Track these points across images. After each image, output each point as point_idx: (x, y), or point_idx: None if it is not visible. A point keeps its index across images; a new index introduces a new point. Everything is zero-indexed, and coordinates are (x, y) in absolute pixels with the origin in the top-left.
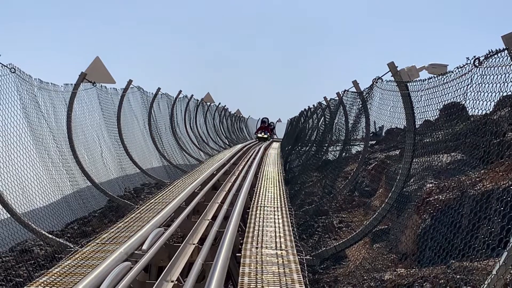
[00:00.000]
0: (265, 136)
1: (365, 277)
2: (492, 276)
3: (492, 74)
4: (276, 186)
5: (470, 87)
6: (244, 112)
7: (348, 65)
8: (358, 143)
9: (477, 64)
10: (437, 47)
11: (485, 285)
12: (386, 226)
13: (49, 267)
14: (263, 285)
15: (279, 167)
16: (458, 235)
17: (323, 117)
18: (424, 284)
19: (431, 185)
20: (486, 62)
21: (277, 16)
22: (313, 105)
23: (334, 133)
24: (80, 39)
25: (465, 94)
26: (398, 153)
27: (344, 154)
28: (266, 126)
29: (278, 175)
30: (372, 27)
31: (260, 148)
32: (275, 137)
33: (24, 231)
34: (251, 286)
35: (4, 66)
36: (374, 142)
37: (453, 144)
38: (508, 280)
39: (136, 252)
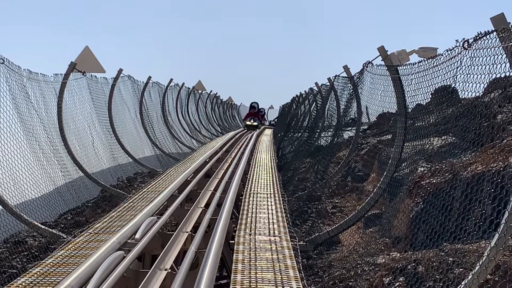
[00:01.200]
0: (255, 123)
1: (358, 262)
2: (484, 258)
3: (482, 56)
4: (269, 173)
5: (460, 69)
6: (236, 99)
7: (340, 51)
8: (350, 128)
9: (466, 47)
10: (427, 30)
11: (477, 267)
12: (378, 211)
13: (43, 258)
14: (257, 271)
15: (271, 153)
16: (450, 218)
17: (314, 103)
18: (417, 267)
19: (423, 169)
20: (475, 44)
21: (268, 1)
22: (305, 91)
23: (326, 118)
24: (68, 29)
25: (455, 77)
26: (390, 137)
27: (336, 139)
28: (256, 112)
29: (271, 162)
30: (363, 11)
31: (252, 135)
32: (266, 123)
33: (17, 222)
34: (245, 273)
35: None
36: (366, 127)
37: (444, 127)
38: (500, 261)
39: (129, 241)
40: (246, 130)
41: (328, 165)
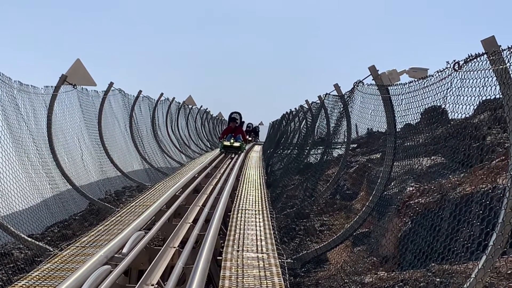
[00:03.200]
0: (236, 144)
1: (346, 280)
2: (471, 280)
3: (472, 78)
4: (258, 189)
5: (450, 91)
6: (226, 115)
7: (331, 70)
8: (339, 146)
9: (457, 68)
10: (418, 51)
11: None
12: (367, 230)
13: (29, 270)
14: None
15: (260, 170)
16: (438, 239)
17: (304, 120)
18: (404, 287)
19: (412, 189)
20: (465, 66)
21: (260, 19)
22: (295, 108)
23: (316, 136)
24: (61, 41)
25: (445, 98)
26: (379, 156)
27: (325, 157)
28: (238, 127)
29: (260, 178)
30: (355, 31)
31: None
32: (258, 140)
33: (3, 234)
34: None
35: None
36: (355, 145)
37: (434, 147)
38: (487, 283)
39: (116, 255)
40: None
41: (317, 182)
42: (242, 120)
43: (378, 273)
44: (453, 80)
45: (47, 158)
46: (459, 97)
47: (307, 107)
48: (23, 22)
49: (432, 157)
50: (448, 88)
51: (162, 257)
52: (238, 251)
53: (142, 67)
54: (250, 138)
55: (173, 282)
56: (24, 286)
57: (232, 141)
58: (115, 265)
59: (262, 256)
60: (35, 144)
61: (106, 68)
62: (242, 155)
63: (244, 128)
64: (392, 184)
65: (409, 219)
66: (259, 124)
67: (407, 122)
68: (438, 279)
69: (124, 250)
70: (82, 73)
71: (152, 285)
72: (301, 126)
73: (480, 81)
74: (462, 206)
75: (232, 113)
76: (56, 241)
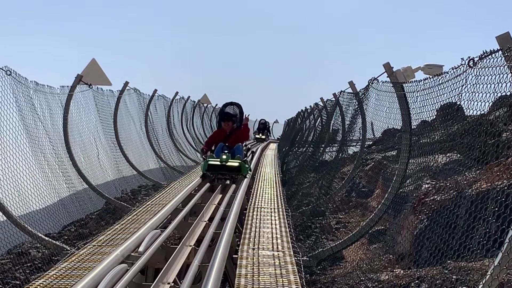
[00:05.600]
0: (232, 163)
1: (362, 278)
2: (487, 277)
3: (487, 75)
4: (273, 187)
5: (465, 87)
6: None
7: (346, 67)
8: (354, 144)
9: (472, 65)
10: (433, 48)
11: (481, 286)
12: (383, 227)
13: (46, 269)
14: (260, 286)
15: (276, 168)
16: (454, 236)
17: (319, 118)
18: (420, 284)
19: (427, 186)
20: (480, 63)
21: (275, 17)
22: (310, 106)
23: (331, 133)
24: (76, 42)
25: (460, 94)
26: (395, 153)
27: (340, 155)
28: (235, 130)
29: (275, 176)
30: (369, 28)
31: (257, 149)
32: (270, 138)
33: (21, 233)
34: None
35: (0, 69)
36: (371, 143)
37: (449, 144)
38: (503, 280)
39: (132, 254)
40: (252, 143)
41: (332, 180)
42: (246, 115)
43: (394, 270)
44: (468, 77)
45: (64, 157)
46: (474, 93)
47: (322, 104)
48: (37, 19)
49: (448, 154)
50: (463, 85)
51: (178, 256)
52: (254, 249)
53: (157, 66)
54: (263, 136)
55: (189, 280)
56: (41, 285)
57: (224, 157)
58: (132, 263)
59: (278, 254)
60: (52, 143)
61: (121, 67)
62: (259, 151)
63: (256, 127)
64: (408, 181)
65: (425, 217)
66: (274, 122)
67: (422, 119)
68: (454, 277)
69: (141, 249)
70: (98, 72)
71: (168, 283)
72: (316, 123)
73: (495, 77)
74: (478, 203)
75: (225, 105)
76: (73, 240)
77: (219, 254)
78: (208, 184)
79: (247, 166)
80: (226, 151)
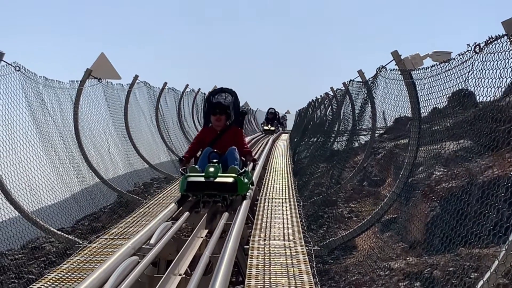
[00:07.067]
0: (225, 178)
1: (374, 266)
2: (496, 263)
3: (493, 60)
4: (285, 178)
5: (471, 73)
6: (252, 105)
7: (356, 56)
8: (365, 133)
9: (478, 51)
10: (442, 35)
11: (490, 271)
12: (394, 215)
13: (60, 263)
14: (271, 276)
15: (287, 158)
16: (464, 224)
17: (330, 107)
18: (433, 272)
19: (439, 173)
20: (486, 49)
21: (284, 7)
22: (321, 96)
23: (342, 122)
24: (84, 37)
25: (466, 81)
26: (406, 142)
27: (351, 144)
28: (228, 129)
29: (287, 167)
30: (378, 15)
31: (268, 140)
32: (281, 129)
33: (34, 228)
34: (259, 278)
35: (9, 64)
36: (382, 131)
37: (459, 131)
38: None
39: (144, 246)
40: (263, 135)
41: (343, 169)
42: (244, 109)
43: (407, 258)
44: (474, 63)
45: (74, 152)
46: (480, 79)
47: (332, 94)
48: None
49: (460, 141)
50: (469, 71)
51: (190, 247)
52: (265, 239)
53: (167, 59)
54: (272, 128)
55: (200, 270)
56: (53, 278)
57: (211, 169)
58: (143, 255)
59: (289, 244)
60: (62, 138)
61: (130, 61)
62: (270, 142)
63: (263, 118)
64: (420, 169)
65: (436, 204)
66: (286, 112)
67: (431, 106)
68: (467, 263)
69: (152, 241)
70: (107, 66)
71: (180, 274)
72: (327, 112)
73: (500, 62)
74: (489, 190)
75: (214, 93)
76: (86, 234)
77: (230, 244)
78: None
79: (246, 181)
80: (214, 160)
